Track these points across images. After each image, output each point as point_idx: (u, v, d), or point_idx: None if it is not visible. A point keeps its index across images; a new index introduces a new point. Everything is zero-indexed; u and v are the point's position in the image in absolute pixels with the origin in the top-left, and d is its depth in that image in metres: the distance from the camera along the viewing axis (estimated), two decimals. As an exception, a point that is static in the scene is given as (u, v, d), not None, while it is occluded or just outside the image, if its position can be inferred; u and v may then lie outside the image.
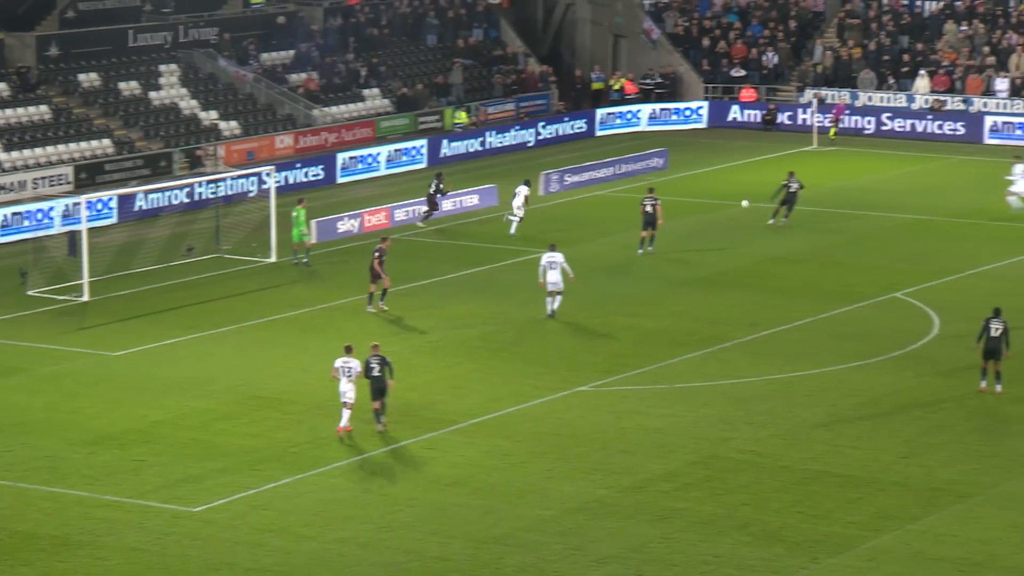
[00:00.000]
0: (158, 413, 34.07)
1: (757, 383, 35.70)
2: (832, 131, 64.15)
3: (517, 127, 65.60)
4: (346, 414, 32.58)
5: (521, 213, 49.80)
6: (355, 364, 32.48)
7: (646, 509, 28.75)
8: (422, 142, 62.11)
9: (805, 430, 32.70)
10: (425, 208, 51.30)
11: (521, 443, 32.18)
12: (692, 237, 49.22)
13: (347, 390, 32.42)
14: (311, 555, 27.09)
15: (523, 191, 50.18)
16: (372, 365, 32.60)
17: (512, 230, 49.39)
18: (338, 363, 32.61)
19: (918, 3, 71.38)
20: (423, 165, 61.42)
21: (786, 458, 31.17)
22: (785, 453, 31.44)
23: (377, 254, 41.05)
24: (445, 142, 62.86)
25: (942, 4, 70.48)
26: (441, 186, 51.32)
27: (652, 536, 27.60)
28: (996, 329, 34.38)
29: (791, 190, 50.35)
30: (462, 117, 65.58)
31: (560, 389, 35.30)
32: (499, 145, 64.29)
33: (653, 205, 46.93)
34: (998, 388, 34.61)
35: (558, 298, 40.48)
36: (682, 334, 39.34)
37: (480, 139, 63.93)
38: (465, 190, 54.41)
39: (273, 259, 47.14)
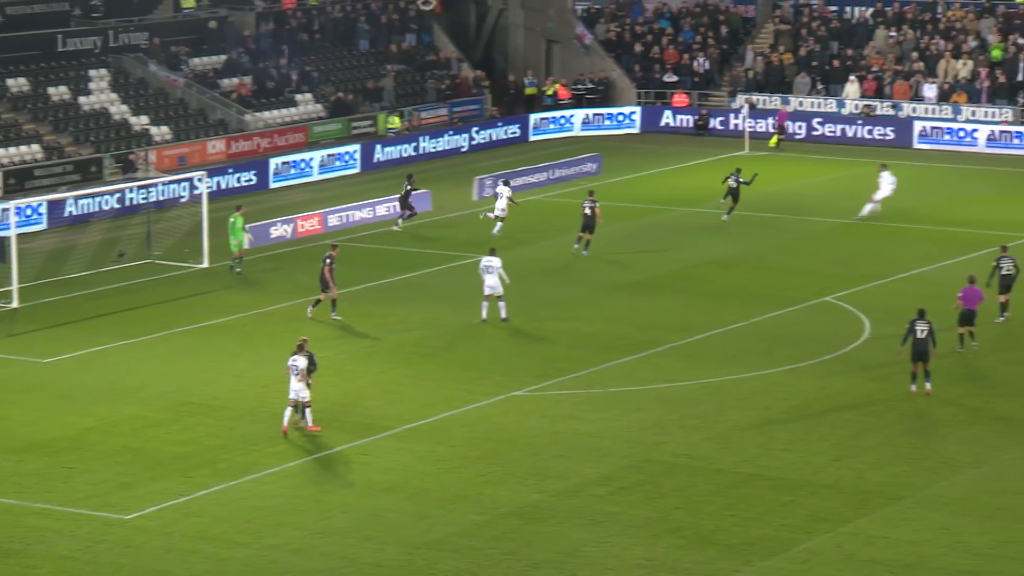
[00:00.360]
0: (88, 420, 33.79)
1: (690, 387, 35.85)
2: (774, 139, 64.23)
3: (451, 132, 65.59)
4: (293, 412, 32.62)
5: (504, 214, 49.99)
6: (302, 362, 32.57)
7: (580, 513, 28.79)
8: (355, 147, 61.97)
9: (738, 433, 32.87)
10: (406, 211, 51.04)
11: (455, 448, 32.15)
12: (625, 241, 49.37)
13: (298, 388, 32.53)
14: (244, 562, 26.95)
15: (505, 192, 50.38)
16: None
17: (495, 230, 49.53)
18: (289, 361, 32.75)
19: (847, 9, 71.98)
20: (356, 170, 61.32)
21: (719, 461, 31.32)
22: (718, 456, 31.58)
23: (328, 261, 40.83)
24: (378, 147, 62.76)
25: (871, 10, 71.11)
26: (410, 188, 51.23)
27: (586, 540, 27.64)
28: (922, 331, 34.72)
29: (731, 185, 51.08)
30: (395, 122, 65.53)
31: (494, 394, 35.30)
32: (433, 150, 64.25)
33: (592, 208, 47.17)
34: (928, 387, 34.95)
35: (501, 303, 40.51)
36: (616, 338, 39.45)
37: (413, 144, 63.90)
38: (398, 195, 54.33)
39: (205, 264, 46.88)
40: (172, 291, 44.46)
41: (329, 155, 60.96)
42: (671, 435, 32.78)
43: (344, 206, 52.90)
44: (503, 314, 40.53)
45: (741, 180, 51.59)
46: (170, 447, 32.28)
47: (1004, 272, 39.90)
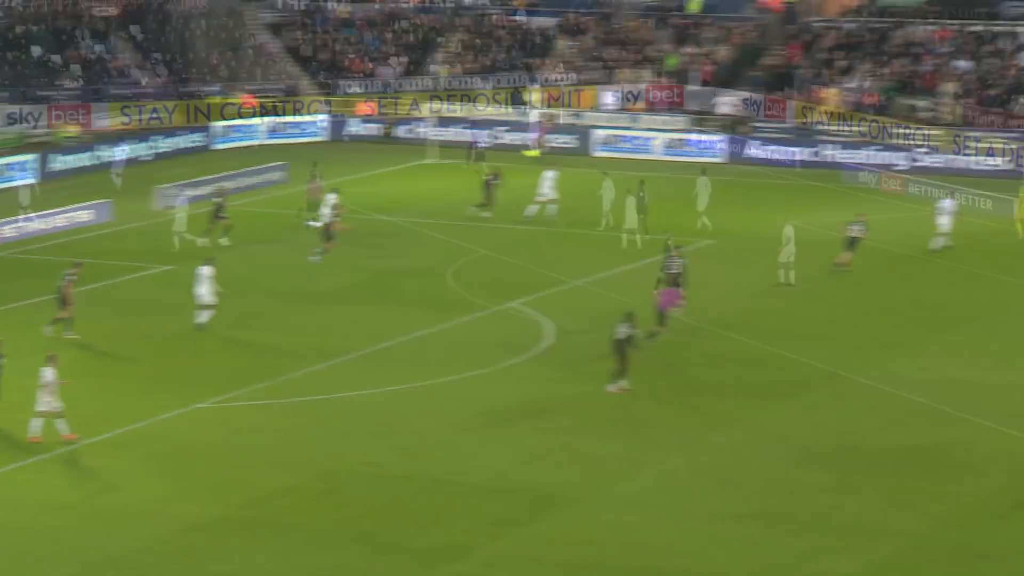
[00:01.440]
0: None
1: (377, 395, 35.86)
2: (536, 151, 64.42)
3: (133, 140, 64.23)
4: (58, 424, 32.02)
5: (328, 220, 49.33)
6: (50, 374, 31.98)
7: (264, 525, 28.47)
8: (31, 156, 60.12)
9: (424, 440, 33.00)
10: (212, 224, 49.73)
11: (136, 463, 31.42)
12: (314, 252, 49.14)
13: (48, 400, 32.04)
14: (-91, 589, 25.80)
15: (331, 199, 49.81)
16: None
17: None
18: (41, 373, 32.29)
19: (529, 19, 73.28)
20: (33, 180, 59.46)
21: (405, 469, 31.38)
22: (404, 464, 31.64)
23: (68, 279, 39.48)
24: (56, 156, 61.02)
25: (554, 21, 72.55)
26: (221, 202, 49.72)
27: (270, 552, 27.34)
28: (620, 332, 35.73)
29: (488, 182, 53.94)
30: (72, 131, 63.83)
31: (177, 406, 34.65)
32: (113, 159, 62.78)
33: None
34: (623, 383, 35.76)
35: (208, 312, 40.01)
36: (303, 347, 39.20)
37: (92, 153, 62.33)
38: (78, 205, 53.01)
39: None
40: None
41: (4, 164, 58.98)
42: (357, 444, 32.70)
43: (19, 217, 51.26)
44: (202, 318, 40.06)
45: (492, 179, 53.78)
46: None
47: (672, 272, 41.94)
